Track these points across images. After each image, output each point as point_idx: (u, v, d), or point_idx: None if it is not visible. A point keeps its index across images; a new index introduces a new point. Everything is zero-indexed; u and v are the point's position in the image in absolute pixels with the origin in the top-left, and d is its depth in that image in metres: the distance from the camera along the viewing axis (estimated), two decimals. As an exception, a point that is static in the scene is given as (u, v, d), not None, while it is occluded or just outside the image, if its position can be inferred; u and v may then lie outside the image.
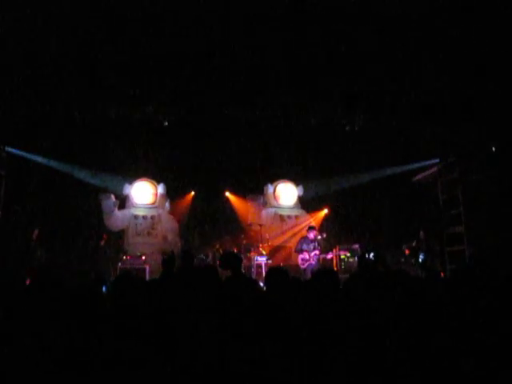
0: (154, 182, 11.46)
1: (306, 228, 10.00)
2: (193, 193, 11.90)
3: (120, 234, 10.91)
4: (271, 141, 11.17)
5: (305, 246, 9.42)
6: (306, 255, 9.37)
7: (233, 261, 4.40)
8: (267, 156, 11.38)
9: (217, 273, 3.18)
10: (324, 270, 3.25)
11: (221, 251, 10.22)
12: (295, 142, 11.17)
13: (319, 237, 9.64)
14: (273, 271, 3.38)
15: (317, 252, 9.35)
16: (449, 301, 2.82)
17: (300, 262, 9.44)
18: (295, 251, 9.79)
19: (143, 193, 11.41)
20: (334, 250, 10.26)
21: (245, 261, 9.88)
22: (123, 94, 9.18)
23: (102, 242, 9.65)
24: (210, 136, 10.73)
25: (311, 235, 9.52)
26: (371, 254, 8.90)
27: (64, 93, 8.43)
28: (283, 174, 12.05)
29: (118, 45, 7.04)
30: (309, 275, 8.52)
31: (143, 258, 9.93)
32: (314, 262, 9.25)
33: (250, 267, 9.93)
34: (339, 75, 8.08)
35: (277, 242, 11.34)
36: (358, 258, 8.88)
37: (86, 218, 10.28)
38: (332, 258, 10.05)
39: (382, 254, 4.76)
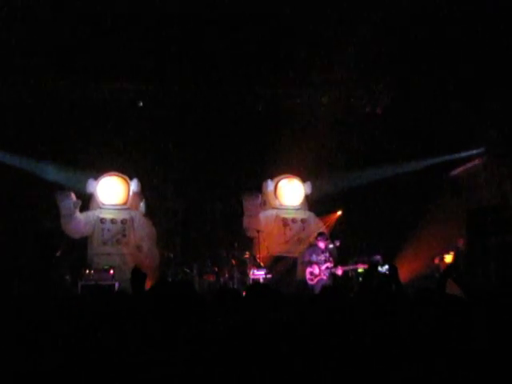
0: (125, 177, 11.34)
1: (315, 235, 9.98)
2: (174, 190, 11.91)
3: (82, 243, 10.76)
4: (271, 126, 11.17)
5: (314, 258, 9.44)
6: (315, 269, 9.40)
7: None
8: (266, 145, 11.34)
9: (192, 291, 3.17)
10: (327, 288, 3.39)
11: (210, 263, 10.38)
12: (301, 127, 11.13)
13: (331, 246, 9.66)
14: (254, 287, 3.51)
15: (329, 265, 9.36)
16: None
17: (308, 276, 9.45)
18: (302, 264, 9.85)
19: (112, 191, 11.24)
20: (350, 263, 10.15)
21: (238, 274, 10.11)
22: (85, 67, 9.52)
23: (59, 253, 9.72)
24: (194, 120, 10.86)
25: (321, 244, 9.53)
26: (385, 267, 9.17)
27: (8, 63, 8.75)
28: (286, 168, 11.95)
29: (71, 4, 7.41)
30: (317, 291, 8.46)
31: (111, 272, 9.84)
32: (325, 278, 9.30)
33: (244, 283, 9.96)
34: (358, 43, 8.40)
35: (278, 251, 11.30)
36: (364, 273, 9.00)
37: (37, 223, 10.29)
38: (348, 272, 9.98)
39: (395, 268, 4.44)
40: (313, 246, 9.78)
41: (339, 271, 9.45)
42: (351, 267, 9.91)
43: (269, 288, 3.40)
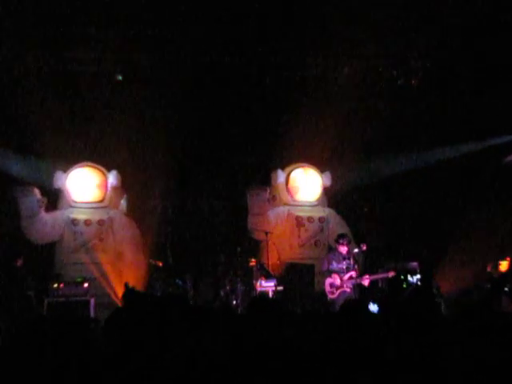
0: (101, 168, 11.34)
1: (336, 237, 9.95)
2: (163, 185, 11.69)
3: (49, 250, 10.65)
4: (281, 103, 11.16)
5: (334, 266, 9.47)
6: (336, 279, 9.40)
7: None
8: (276, 127, 11.38)
9: (185, 307, 3.52)
10: (350, 303, 3.59)
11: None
12: (319, 104, 11.07)
13: (356, 250, 9.67)
14: (257, 303, 3.69)
15: (353, 273, 9.40)
16: None
17: (328, 289, 9.48)
18: (320, 273, 9.89)
19: (85, 185, 11.20)
20: (380, 271, 10.14)
21: (242, 286, 10.13)
22: (53, 32, 9.64)
23: (19, 263, 9.56)
24: (189, 95, 10.78)
25: (343, 248, 9.53)
26: (415, 277, 9.50)
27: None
28: (300, 155, 11.94)
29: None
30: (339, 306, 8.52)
31: (85, 285, 9.79)
32: (349, 290, 9.34)
33: (250, 296, 9.98)
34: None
35: (291, 257, 11.33)
36: (390, 284, 9.31)
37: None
38: (376, 283, 10.02)
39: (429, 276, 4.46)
40: (333, 251, 9.84)
41: (366, 281, 9.43)
42: (381, 276, 9.86)
43: (276, 304, 3.51)
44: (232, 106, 11.18)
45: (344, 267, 9.41)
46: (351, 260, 9.46)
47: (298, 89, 11.23)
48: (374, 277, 9.67)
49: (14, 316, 8.53)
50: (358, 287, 9.45)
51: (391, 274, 9.63)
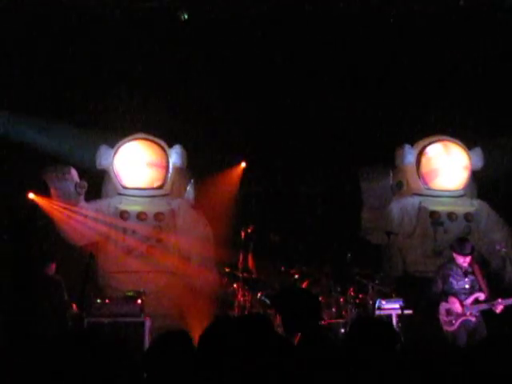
0: (161, 142, 11.55)
1: (452, 242, 9.83)
2: (243, 164, 12.08)
3: (89, 254, 10.17)
4: (403, 42, 11.27)
5: (453, 284, 9.25)
6: (455, 304, 9.11)
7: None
8: (398, 82, 11.60)
9: (270, 332, 3.94)
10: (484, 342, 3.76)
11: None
12: (459, 51, 11.23)
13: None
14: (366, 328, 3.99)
15: (481, 295, 9.08)
16: None
17: (443, 318, 9.23)
18: (432, 297, 9.59)
19: (139, 165, 11.40)
20: None
21: (352, 307, 10.06)
22: None
23: (50, 270, 9.66)
24: (277, 45, 11.07)
25: (463, 260, 9.22)
26: None
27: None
28: (437, 125, 11.93)
29: None
30: (463, 342, 8.83)
31: (139, 301, 9.91)
32: (474, 319, 9.03)
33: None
34: None
35: (423, 269, 11.22)
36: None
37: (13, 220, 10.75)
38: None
39: None
40: (448, 264, 9.45)
41: (498, 307, 9.05)
42: None
43: (396, 336, 3.87)
44: (338, 54, 11.32)
45: (467, 285, 9.10)
46: (475, 276, 9.14)
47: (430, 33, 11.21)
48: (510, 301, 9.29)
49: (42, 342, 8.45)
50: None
51: None
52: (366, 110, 11.74)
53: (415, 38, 11.48)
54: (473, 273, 9.18)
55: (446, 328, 9.12)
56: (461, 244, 9.32)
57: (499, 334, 4.05)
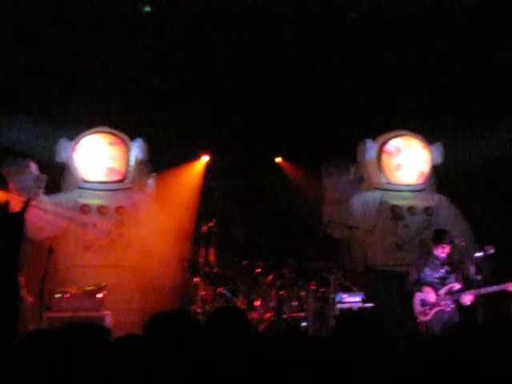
0: (122, 136, 11.53)
1: (431, 234, 9.94)
2: (206, 158, 12.18)
3: (48, 248, 10.01)
4: (367, 52, 11.33)
5: (428, 274, 9.25)
6: (429, 293, 9.14)
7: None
8: (361, 80, 11.60)
9: (245, 322, 3.89)
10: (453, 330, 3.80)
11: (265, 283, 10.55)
12: (421, 45, 11.35)
13: (478, 254, 9.43)
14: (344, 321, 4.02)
15: (455, 285, 9.11)
16: None
17: (417, 308, 9.28)
18: (408, 285, 9.69)
19: (100, 158, 11.38)
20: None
21: (314, 302, 10.14)
22: None
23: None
24: (238, 34, 11.07)
25: (442, 251, 9.23)
26: None
27: None
28: (399, 119, 12.02)
29: None
30: (436, 332, 8.77)
31: (99, 295, 9.92)
32: (449, 309, 9.05)
33: (325, 316, 10.12)
34: None
35: (383, 262, 11.46)
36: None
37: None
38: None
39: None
40: (426, 255, 9.56)
41: (465, 298, 9.08)
42: (496, 289, 9.34)
43: (367, 321, 3.73)
44: (301, 46, 11.30)
45: (443, 275, 9.19)
46: (453, 265, 9.23)
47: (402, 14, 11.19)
48: (486, 290, 9.17)
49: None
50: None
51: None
52: (328, 105, 11.81)
53: (376, 34, 11.47)
54: (449, 264, 9.28)
55: (421, 318, 9.20)
56: (440, 234, 9.44)
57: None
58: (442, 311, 9.04)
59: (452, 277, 9.21)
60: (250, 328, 4.01)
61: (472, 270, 9.44)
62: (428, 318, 9.14)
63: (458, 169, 11.96)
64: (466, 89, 11.69)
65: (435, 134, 12.04)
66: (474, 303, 9.23)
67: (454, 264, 9.33)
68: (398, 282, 10.59)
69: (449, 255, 9.30)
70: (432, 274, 9.23)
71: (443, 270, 9.25)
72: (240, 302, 10.26)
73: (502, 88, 11.65)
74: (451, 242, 9.34)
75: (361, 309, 9.94)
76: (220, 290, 10.36)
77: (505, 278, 9.58)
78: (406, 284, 9.69)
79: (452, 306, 9.09)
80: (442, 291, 9.09)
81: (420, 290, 9.19)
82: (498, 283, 9.38)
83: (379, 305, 10.24)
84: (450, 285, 9.11)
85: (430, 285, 9.16)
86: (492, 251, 9.31)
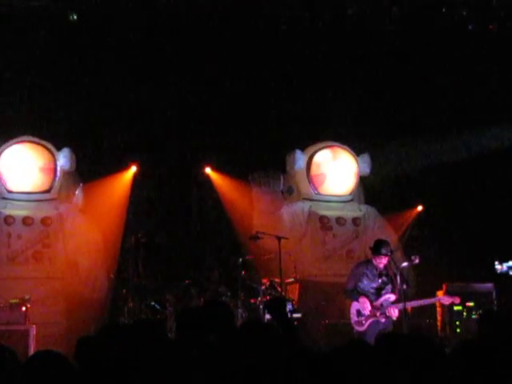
0: (48, 145, 11.38)
1: (371, 245, 9.76)
2: (134, 169, 12.01)
3: None
4: (299, 52, 11.47)
5: (365, 284, 9.26)
6: (365, 304, 9.12)
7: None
8: (292, 89, 11.65)
9: (162, 339, 4.19)
10: (383, 339, 3.67)
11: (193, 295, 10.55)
12: (351, 59, 11.55)
13: (404, 264, 9.63)
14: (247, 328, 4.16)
15: (391, 296, 9.12)
16: None
17: (353, 318, 9.30)
18: (345, 294, 9.74)
19: (24, 168, 11.24)
20: (439, 294, 10.13)
21: (244, 312, 10.25)
22: None
23: None
24: (166, 45, 11.18)
25: (380, 261, 9.24)
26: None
27: None
28: (328, 131, 12.08)
29: None
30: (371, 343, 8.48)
31: (23, 308, 9.76)
32: (383, 320, 9.08)
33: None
34: None
35: (312, 272, 11.54)
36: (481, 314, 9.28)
37: None
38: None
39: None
40: (364, 264, 9.48)
41: (392, 312, 9.11)
42: (426, 303, 9.70)
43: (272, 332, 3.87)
44: (234, 56, 11.42)
45: (380, 285, 9.18)
46: (390, 276, 9.19)
47: (331, 30, 11.44)
48: (415, 303, 9.46)
49: None
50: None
51: (447, 301, 9.49)
52: (258, 114, 11.87)
53: (308, 44, 11.59)
54: (387, 274, 9.29)
55: (357, 328, 9.20)
56: (379, 245, 9.36)
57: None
58: (377, 322, 9.06)
59: (388, 287, 9.24)
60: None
61: (398, 279, 9.69)
62: (363, 328, 9.15)
63: (386, 180, 12.14)
64: (394, 100, 11.84)
65: (363, 145, 12.07)
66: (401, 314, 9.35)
67: (390, 275, 9.33)
68: (325, 291, 10.95)
69: (386, 266, 9.30)
70: (369, 283, 9.25)
71: (380, 281, 9.26)
72: (168, 314, 10.15)
73: (429, 99, 11.86)
74: (390, 253, 9.34)
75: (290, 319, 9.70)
76: (148, 302, 10.32)
77: (433, 290, 10.11)
78: (344, 292, 9.71)
79: (387, 319, 9.12)
80: (378, 302, 9.13)
81: (356, 300, 9.21)
82: (426, 296, 9.67)
83: (305, 314, 10.27)
84: (386, 296, 9.13)
85: (366, 295, 9.16)
86: (417, 261, 9.40)
